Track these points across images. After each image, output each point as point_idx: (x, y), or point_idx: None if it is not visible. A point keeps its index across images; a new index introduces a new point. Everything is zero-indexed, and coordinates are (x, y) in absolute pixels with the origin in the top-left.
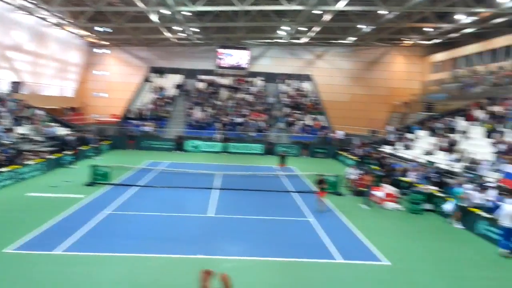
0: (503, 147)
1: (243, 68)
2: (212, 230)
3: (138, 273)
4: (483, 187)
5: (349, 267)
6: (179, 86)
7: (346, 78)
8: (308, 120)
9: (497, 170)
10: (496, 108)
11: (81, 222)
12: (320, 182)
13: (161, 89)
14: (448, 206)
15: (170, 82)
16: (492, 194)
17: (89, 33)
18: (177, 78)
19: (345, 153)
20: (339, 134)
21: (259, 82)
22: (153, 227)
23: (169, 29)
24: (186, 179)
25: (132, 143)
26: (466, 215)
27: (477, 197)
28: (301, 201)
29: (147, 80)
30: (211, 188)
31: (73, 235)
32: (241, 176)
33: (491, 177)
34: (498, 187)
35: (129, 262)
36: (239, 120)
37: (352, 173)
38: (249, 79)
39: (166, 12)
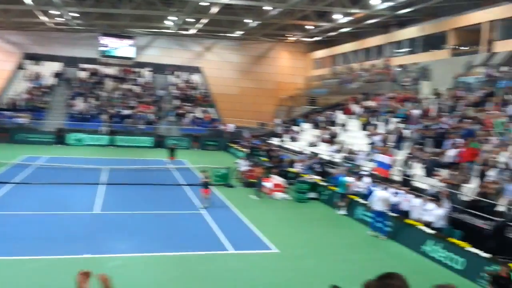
0: (376, 138)
1: (129, 58)
2: (98, 228)
3: (17, 277)
4: (359, 176)
5: (240, 257)
6: (58, 75)
7: (235, 71)
8: (198, 112)
9: (372, 160)
10: (370, 103)
11: None
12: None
13: (38, 77)
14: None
15: (47, 70)
16: (366, 182)
17: None
18: (56, 66)
19: (235, 146)
20: (230, 126)
21: (146, 73)
22: (33, 228)
23: (45, 13)
24: (69, 174)
25: (5, 136)
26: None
27: (355, 185)
28: (193, 194)
29: (20, 67)
30: (97, 184)
31: None
32: (130, 170)
33: (366, 166)
34: (372, 175)
35: (6, 265)
36: (127, 112)
37: (243, 165)
38: (136, 69)
39: None
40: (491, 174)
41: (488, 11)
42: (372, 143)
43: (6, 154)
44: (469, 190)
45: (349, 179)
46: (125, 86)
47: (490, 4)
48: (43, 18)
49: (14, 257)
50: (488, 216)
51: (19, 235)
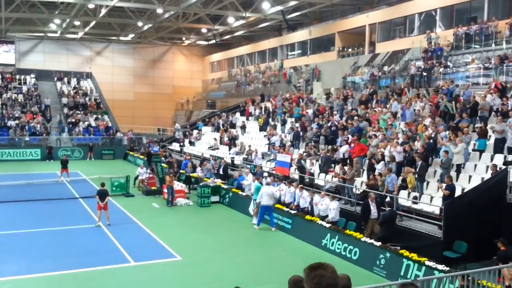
0: (275, 138)
1: (10, 64)
2: None
3: None
4: (260, 176)
5: (143, 267)
6: None
7: (129, 76)
8: (91, 120)
9: (271, 160)
10: (267, 104)
11: None
12: (100, 194)
13: None
14: (251, 206)
15: None
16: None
17: None
18: None
19: (134, 153)
20: (130, 134)
21: (31, 79)
22: None
23: None
24: None
25: None
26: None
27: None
28: (90, 207)
29: None
30: None
31: None
32: (18, 185)
33: (266, 166)
34: (273, 175)
35: None
36: (11, 123)
37: (142, 172)
38: (19, 76)
39: None
40: (379, 167)
41: (369, 14)
42: (271, 143)
43: None
44: (360, 183)
45: (264, 185)
46: (7, 94)
47: (370, 9)
48: None
49: None
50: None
51: None
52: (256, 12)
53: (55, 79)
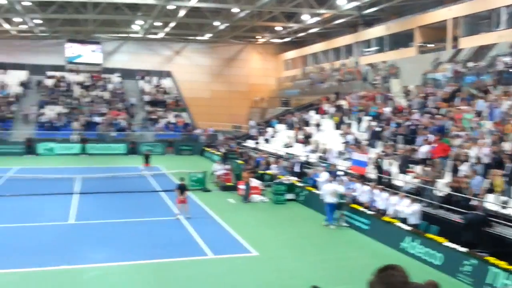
0: (350, 137)
1: (97, 64)
2: (74, 238)
3: None
4: (334, 175)
5: (220, 261)
6: (24, 83)
7: (206, 74)
8: (171, 117)
9: (347, 159)
10: (342, 102)
11: None
12: (180, 188)
13: (3, 86)
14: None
15: (13, 79)
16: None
17: None
18: (21, 75)
19: (210, 149)
20: (210, 130)
21: (116, 78)
22: (6, 240)
23: (8, 21)
24: (42, 185)
25: None
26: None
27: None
28: (169, 200)
29: None
30: (70, 194)
31: None
32: (104, 178)
33: (341, 165)
34: (348, 174)
35: None
36: (98, 119)
37: (218, 169)
38: (105, 75)
39: (2, 1)
40: (463, 168)
41: (451, 8)
42: (346, 142)
43: None
44: (443, 185)
45: (342, 187)
46: (95, 92)
47: (453, 2)
48: (6, 26)
49: None
50: (463, 211)
51: None
52: (331, 9)
53: (138, 77)
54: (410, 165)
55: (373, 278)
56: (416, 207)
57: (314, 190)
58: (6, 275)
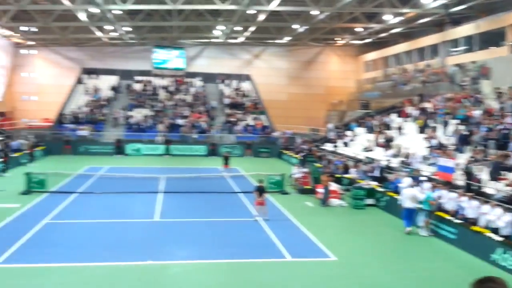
0: (435, 141)
1: (181, 68)
2: (159, 235)
3: (85, 283)
4: (418, 181)
5: (297, 264)
6: (114, 88)
7: (284, 77)
8: (250, 120)
9: (432, 164)
10: (426, 105)
11: (20, 232)
12: (259, 190)
13: (96, 91)
14: (420, 217)
15: (105, 84)
16: (426, 187)
17: (13, 33)
18: (112, 79)
19: (288, 152)
20: (288, 133)
21: (197, 82)
22: (98, 235)
23: (100, 28)
24: (129, 183)
25: (69, 148)
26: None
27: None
28: (248, 201)
29: (79, 81)
30: (155, 192)
31: (12, 246)
32: (186, 178)
33: (425, 171)
34: (432, 180)
35: (75, 271)
36: (180, 121)
37: (297, 171)
38: (188, 79)
39: (95, 10)
40: None
41: None
42: (430, 146)
43: (71, 165)
44: None
45: (434, 194)
46: (178, 96)
47: None
48: (99, 34)
49: (78, 264)
50: None
51: (83, 242)
52: (415, 8)
53: (218, 81)
54: (502, 172)
55: None
56: (509, 217)
57: (396, 196)
58: (96, 268)
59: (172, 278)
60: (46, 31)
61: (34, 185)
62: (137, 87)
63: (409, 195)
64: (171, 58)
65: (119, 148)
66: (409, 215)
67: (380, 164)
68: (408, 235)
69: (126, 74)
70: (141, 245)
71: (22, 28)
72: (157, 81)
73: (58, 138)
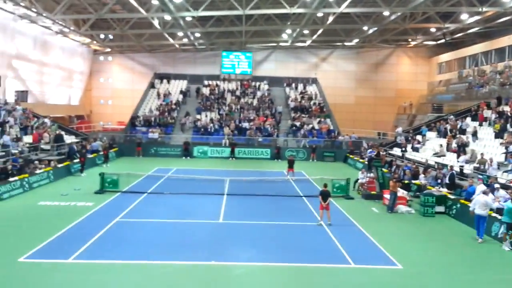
0: None
1: (248, 73)
2: (223, 236)
3: (153, 280)
4: (492, 188)
5: (361, 271)
6: (184, 92)
7: (351, 80)
8: (315, 123)
9: (509, 171)
10: (505, 108)
11: (93, 230)
12: (323, 195)
13: (166, 95)
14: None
15: (175, 88)
16: (501, 195)
17: (92, 41)
18: (182, 84)
19: (354, 156)
20: (353, 137)
21: (264, 86)
22: (165, 234)
23: (172, 35)
24: (195, 185)
25: (139, 150)
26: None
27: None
28: (312, 206)
29: (152, 86)
30: (222, 194)
31: (86, 243)
32: (250, 181)
33: (502, 178)
34: (508, 188)
35: (144, 269)
36: (246, 124)
37: (362, 176)
38: (254, 83)
39: (168, 17)
40: None
41: None
42: (508, 152)
43: (142, 166)
44: None
45: (496, 203)
46: (244, 99)
47: None
48: (171, 40)
49: (145, 261)
50: None
51: (150, 241)
52: (494, 6)
53: (284, 85)
54: None
55: None
56: None
57: (468, 204)
58: (162, 266)
59: (236, 278)
60: (122, 38)
61: (107, 185)
62: (205, 91)
63: (481, 201)
64: (239, 63)
65: (186, 151)
66: (481, 224)
67: (451, 170)
68: (480, 245)
69: (195, 79)
70: (206, 246)
71: (100, 35)
72: (225, 85)
73: (130, 140)
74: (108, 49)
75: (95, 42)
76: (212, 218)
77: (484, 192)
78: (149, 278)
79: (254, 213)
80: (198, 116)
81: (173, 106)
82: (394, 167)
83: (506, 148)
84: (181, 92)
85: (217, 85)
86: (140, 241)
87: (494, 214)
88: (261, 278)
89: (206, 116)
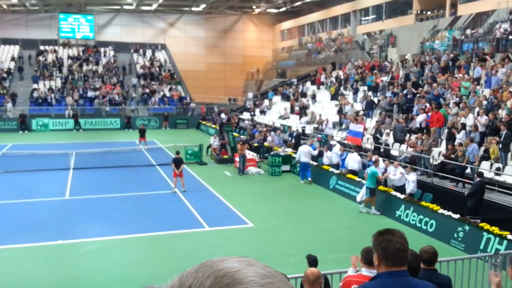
0: (347, 108)
1: (90, 38)
2: (70, 213)
3: None
4: (329, 146)
5: (216, 232)
6: (16, 59)
7: (201, 46)
8: (166, 91)
9: (343, 129)
10: (339, 72)
11: None
12: (176, 162)
13: None
14: (360, 194)
15: (5, 54)
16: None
17: None
18: (14, 50)
19: (206, 122)
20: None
21: (109, 52)
22: (3, 217)
23: None
24: (36, 161)
25: None
26: (321, 173)
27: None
28: (166, 174)
29: None
30: (67, 169)
31: None
32: (99, 153)
33: (337, 136)
34: (344, 144)
35: None
36: (91, 94)
37: (214, 141)
38: (98, 48)
39: None
40: (459, 136)
41: None
42: (342, 113)
43: None
44: (438, 153)
45: (380, 169)
46: (88, 67)
47: None
48: None
49: None
50: (457, 178)
51: None
52: None
53: (132, 50)
54: (406, 135)
55: (372, 241)
56: (414, 176)
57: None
58: (4, 250)
59: (85, 256)
60: None
61: None
62: (42, 57)
63: (304, 151)
64: (79, 27)
65: (23, 124)
66: (305, 169)
67: (295, 131)
68: (319, 199)
69: (29, 44)
70: (51, 225)
71: None
72: (64, 51)
73: None
74: None
75: None
76: (57, 195)
77: (305, 144)
78: None
79: (105, 187)
80: (35, 86)
81: (4, 75)
82: (243, 130)
83: (340, 108)
84: (13, 58)
85: (55, 50)
86: None
87: (331, 169)
88: (113, 252)
89: (45, 85)
